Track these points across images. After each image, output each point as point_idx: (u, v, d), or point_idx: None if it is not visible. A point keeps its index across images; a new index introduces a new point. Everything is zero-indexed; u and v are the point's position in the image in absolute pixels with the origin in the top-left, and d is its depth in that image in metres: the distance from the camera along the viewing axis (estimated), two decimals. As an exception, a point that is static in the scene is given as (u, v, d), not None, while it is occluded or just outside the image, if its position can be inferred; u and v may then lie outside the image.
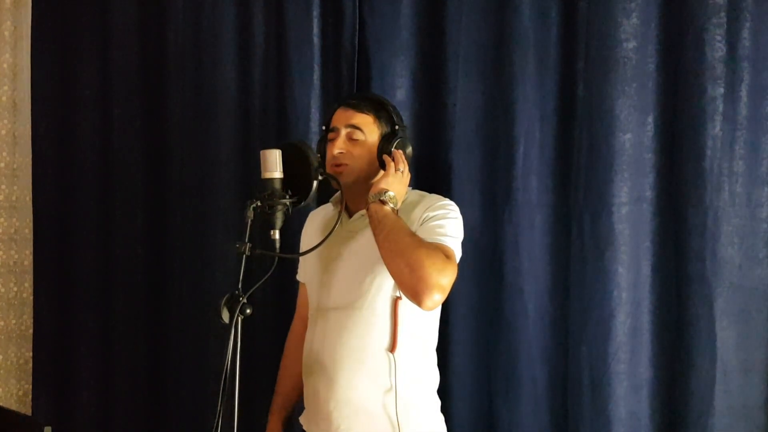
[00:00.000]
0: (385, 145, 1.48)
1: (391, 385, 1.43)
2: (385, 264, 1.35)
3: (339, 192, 1.55)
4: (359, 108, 1.50)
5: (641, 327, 1.70)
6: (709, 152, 1.64)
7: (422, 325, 1.50)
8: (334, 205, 1.58)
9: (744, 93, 1.62)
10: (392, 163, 1.45)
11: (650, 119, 1.69)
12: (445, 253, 1.34)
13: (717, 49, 1.63)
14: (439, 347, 1.75)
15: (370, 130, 1.49)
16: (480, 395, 1.83)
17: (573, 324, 1.74)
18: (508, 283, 1.78)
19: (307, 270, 1.62)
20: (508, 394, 1.79)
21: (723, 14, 1.62)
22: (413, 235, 1.35)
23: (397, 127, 1.51)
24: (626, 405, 1.70)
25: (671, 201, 1.69)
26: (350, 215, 1.54)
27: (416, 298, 1.30)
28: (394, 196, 1.39)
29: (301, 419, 1.59)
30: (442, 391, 1.70)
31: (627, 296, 1.69)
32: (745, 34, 1.62)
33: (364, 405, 1.44)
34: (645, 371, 1.70)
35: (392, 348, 1.42)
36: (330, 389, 1.45)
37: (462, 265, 1.41)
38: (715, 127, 1.63)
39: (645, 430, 1.70)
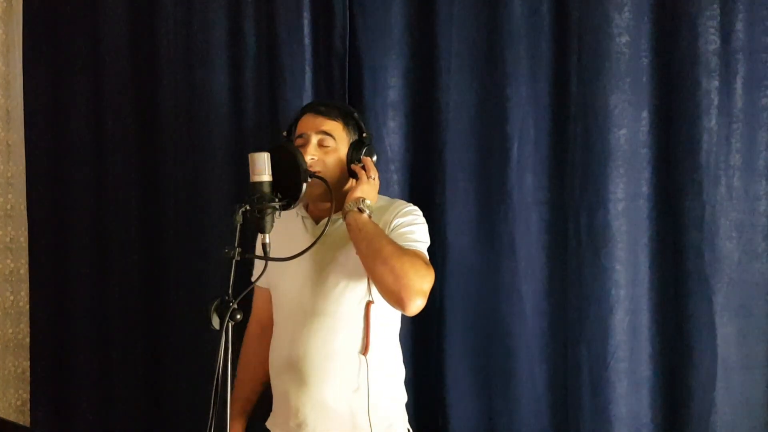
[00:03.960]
0: (355, 153, 1.49)
1: (363, 386, 1.44)
2: (367, 271, 1.37)
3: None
4: (329, 115, 1.50)
5: (640, 324, 1.69)
6: (705, 146, 1.63)
7: (390, 325, 1.53)
8: (298, 210, 1.56)
9: (739, 85, 1.61)
10: (364, 172, 1.46)
11: (645, 114, 1.68)
12: (423, 259, 1.38)
13: (711, 41, 1.61)
14: (437, 348, 1.74)
15: (340, 137, 1.49)
16: (479, 396, 1.81)
17: (571, 323, 1.73)
18: (504, 283, 1.77)
19: (271, 275, 1.55)
20: (508, 394, 1.78)
21: (716, 6, 1.61)
22: (393, 242, 1.37)
23: (364, 134, 1.51)
24: (627, 404, 1.68)
25: (668, 196, 1.67)
26: (317, 221, 1.53)
27: (400, 303, 1.32)
28: (370, 204, 1.42)
29: (268, 424, 1.57)
30: (442, 393, 1.69)
31: (625, 293, 1.68)
32: (739, 26, 1.61)
33: (338, 407, 1.44)
34: (645, 369, 1.69)
35: (365, 350, 1.44)
36: (304, 393, 1.45)
37: (459, 266, 1.40)
38: (711, 121, 1.62)
39: (646, 428, 1.69)
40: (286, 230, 1.55)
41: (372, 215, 1.43)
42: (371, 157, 1.52)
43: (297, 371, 1.46)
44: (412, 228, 1.45)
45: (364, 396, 1.44)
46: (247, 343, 1.70)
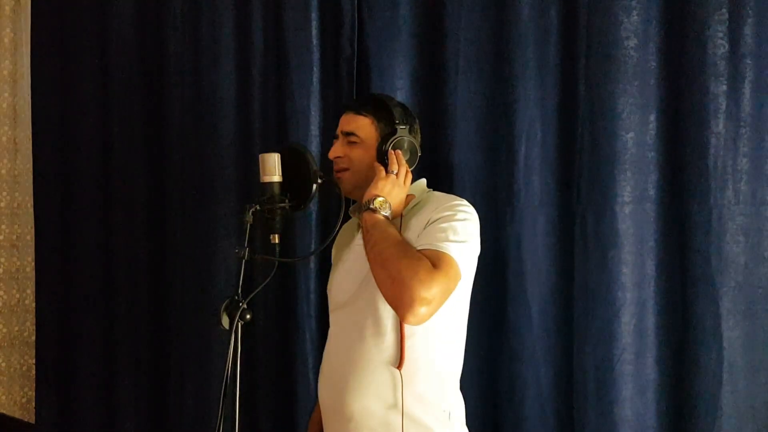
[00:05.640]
0: (382, 146, 1.41)
1: (399, 405, 1.33)
2: (373, 276, 1.28)
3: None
4: (358, 110, 1.46)
5: (646, 328, 1.69)
6: (712, 150, 1.62)
7: (439, 344, 1.38)
8: (352, 213, 1.53)
9: (747, 90, 1.61)
10: (382, 167, 1.38)
11: (653, 117, 1.67)
12: (434, 261, 1.23)
13: (719, 45, 1.61)
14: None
15: (368, 132, 1.44)
16: (485, 398, 1.82)
17: (577, 325, 1.73)
18: (511, 285, 1.77)
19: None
20: (513, 396, 1.78)
21: (725, 10, 1.61)
22: (401, 244, 1.27)
23: (396, 125, 1.42)
24: (632, 407, 1.68)
25: (675, 200, 1.67)
26: None
27: (399, 311, 1.23)
28: (384, 201, 1.32)
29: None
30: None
31: (631, 296, 1.68)
32: (747, 30, 1.60)
33: (369, 423, 1.35)
34: (651, 372, 1.69)
35: (399, 364, 1.33)
36: (335, 402, 1.39)
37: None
38: (719, 125, 1.62)
39: (651, 431, 1.69)
40: (344, 232, 1.55)
41: (408, 212, 1.37)
42: (403, 149, 1.41)
43: (329, 375, 1.43)
44: (445, 225, 1.30)
45: (399, 416, 1.32)
46: None
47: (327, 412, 1.45)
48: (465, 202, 1.39)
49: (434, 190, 1.54)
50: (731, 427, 1.63)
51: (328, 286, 1.52)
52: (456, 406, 1.43)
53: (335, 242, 1.61)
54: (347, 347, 1.39)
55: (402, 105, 1.49)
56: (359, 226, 1.41)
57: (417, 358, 1.34)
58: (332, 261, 1.60)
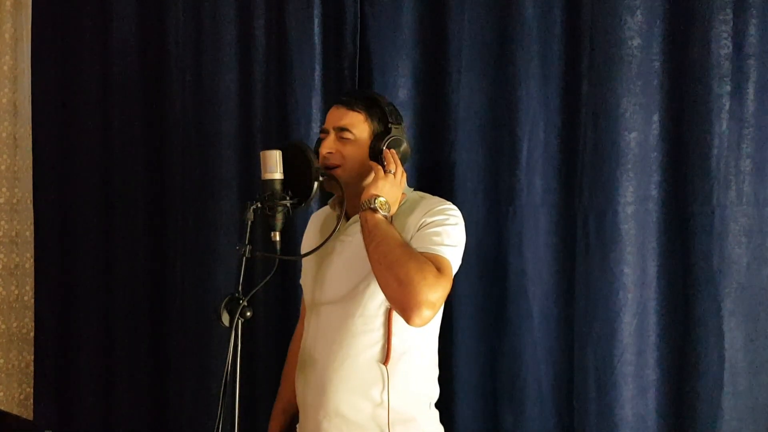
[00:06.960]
0: (376, 145, 1.41)
1: (384, 399, 1.37)
2: (375, 276, 1.30)
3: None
4: (350, 106, 1.44)
5: (648, 328, 1.68)
6: (715, 150, 1.62)
7: (420, 339, 1.42)
8: (332, 207, 1.54)
9: (751, 90, 1.60)
10: (380, 167, 1.38)
11: (656, 117, 1.67)
12: (437, 266, 1.27)
13: (723, 46, 1.61)
14: (443, 349, 1.73)
15: (360, 128, 1.42)
16: (484, 398, 1.82)
17: (578, 325, 1.72)
18: (512, 284, 1.77)
19: (304, 270, 1.57)
20: (513, 396, 1.78)
21: (729, 11, 1.60)
22: (405, 246, 1.29)
23: (390, 125, 1.42)
24: (633, 407, 1.68)
25: (677, 200, 1.67)
26: (348, 217, 1.49)
27: (405, 313, 1.25)
28: (385, 202, 1.33)
29: (298, 427, 1.54)
30: (447, 394, 1.68)
31: (633, 297, 1.68)
32: (752, 30, 1.60)
33: (354, 418, 1.38)
34: (651, 373, 1.68)
35: (385, 360, 1.37)
36: (320, 398, 1.40)
37: (466, 267, 1.39)
38: (722, 125, 1.61)
39: (652, 432, 1.69)
40: (322, 228, 1.55)
41: (398, 212, 1.37)
42: (398, 148, 1.41)
43: (313, 369, 1.43)
44: (439, 229, 1.33)
45: (385, 410, 1.36)
46: (293, 343, 1.67)
47: (307, 408, 1.45)
48: (453, 206, 1.42)
49: (437, 189, 1.55)
50: (732, 429, 1.62)
51: (313, 280, 1.49)
52: (434, 395, 1.49)
53: (307, 233, 1.61)
54: (333, 344, 1.40)
55: (391, 104, 1.49)
56: (338, 218, 1.41)
57: (402, 353, 1.38)
58: (303, 248, 1.58)
